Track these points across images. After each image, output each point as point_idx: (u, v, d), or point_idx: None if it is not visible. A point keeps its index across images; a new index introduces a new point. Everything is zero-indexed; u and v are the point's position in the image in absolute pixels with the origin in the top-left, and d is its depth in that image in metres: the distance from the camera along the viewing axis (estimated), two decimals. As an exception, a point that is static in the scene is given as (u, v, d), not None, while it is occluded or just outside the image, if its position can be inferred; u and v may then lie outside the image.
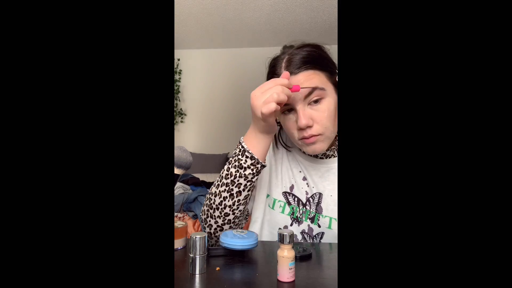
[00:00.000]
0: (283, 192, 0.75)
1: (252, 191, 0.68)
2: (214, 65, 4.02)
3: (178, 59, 4.02)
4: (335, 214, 0.69)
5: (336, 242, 0.68)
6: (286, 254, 0.45)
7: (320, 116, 0.65)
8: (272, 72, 0.70)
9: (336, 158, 0.74)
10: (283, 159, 0.79)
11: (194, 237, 0.49)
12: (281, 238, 0.46)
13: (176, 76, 3.99)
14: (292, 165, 0.77)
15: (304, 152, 0.76)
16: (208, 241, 0.68)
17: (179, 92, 4.01)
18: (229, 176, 0.65)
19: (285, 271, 0.45)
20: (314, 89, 0.63)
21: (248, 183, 0.65)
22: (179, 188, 2.28)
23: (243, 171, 0.64)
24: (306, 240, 0.71)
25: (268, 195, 0.77)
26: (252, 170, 0.64)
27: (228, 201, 0.65)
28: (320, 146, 0.67)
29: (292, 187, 0.75)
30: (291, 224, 0.73)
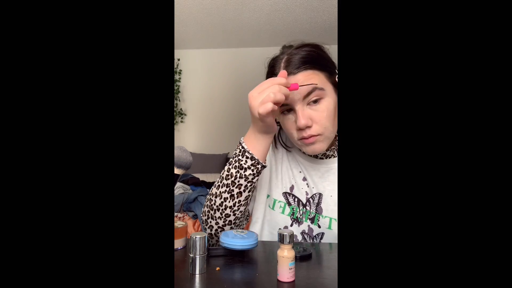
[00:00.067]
0: (283, 193, 0.75)
1: (252, 191, 0.68)
2: (214, 65, 4.02)
3: (178, 59, 4.02)
4: (335, 215, 0.69)
5: (336, 242, 0.68)
6: (286, 254, 0.45)
7: (319, 116, 0.65)
8: (271, 72, 0.69)
9: (336, 158, 0.74)
10: (283, 159, 0.79)
11: (194, 237, 0.49)
12: (281, 238, 0.46)
13: (176, 76, 3.99)
14: (292, 165, 0.77)
15: (304, 152, 0.76)
16: (208, 240, 0.69)
17: (179, 92, 4.01)
18: (229, 177, 0.65)
19: (285, 271, 0.45)
20: (313, 88, 0.63)
21: (249, 184, 0.65)
22: (179, 188, 2.28)
23: (244, 172, 0.64)
24: (306, 241, 0.71)
25: (268, 196, 0.77)
26: (253, 170, 0.64)
27: (229, 202, 0.65)
28: (320, 146, 0.67)
29: (292, 188, 0.75)
30: (291, 225, 0.73)
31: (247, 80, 3.83)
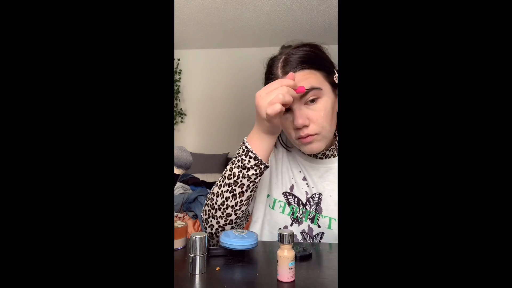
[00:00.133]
0: (283, 192, 0.75)
1: (254, 191, 0.68)
2: (214, 65, 4.02)
3: (178, 59, 4.02)
4: (334, 214, 0.69)
5: (336, 242, 0.68)
6: (286, 254, 0.45)
7: (317, 116, 0.65)
8: (269, 72, 0.70)
9: (336, 158, 0.74)
10: (283, 159, 0.79)
11: (194, 237, 0.49)
12: (281, 238, 0.46)
13: (176, 76, 3.99)
14: (292, 165, 0.77)
15: (303, 152, 0.76)
16: (209, 241, 0.68)
17: (179, 92, 4.01)
18: (232, 176, 0.65)
19: (285, 271, 0.45)
20: (310, 87, 0.63)
21: (251, 184, 0.65)
22: (179, 188, 2.28)
23: (246, 172, 0.64)
24: (306, 240, 0.71)
25: (268, 195, 0.77)
26: (256, 170, 0.64)
27: (231, 201, 0.65)
28: (317, 146, 0.67)
29: (292, 187, 0.75)
30: (291, 224, 0.73)
31: (247, 80, 3.82)
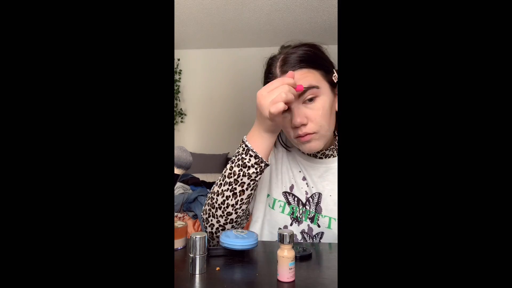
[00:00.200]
0: (283, 192, 0.75)
1: (255, 190, 0.68)
2: (214, 65, 4.02)
3: (178, 59, 4.02)
4: (334, 214, 0.70)
5: (336, 242, 0.68)
6: (286, 254, 0.45)
7: (315, 115, 0.65)
8: (268, 71, 0.70)
9: (336, 158, 0.74)
10: (283, 159, 0.79)
11: (194, 237, 0.49)
12: (281, 238, 0.46)
13: (176, 76, 3.99)
14: (292, 165, 0.77)
15: (303, 152, 0.77)
16: (209, 242, 0.68)
17: (179, 92, 4.01)
18: (232, 175, 0.65)
19: (285, 271, 0.45)
20: (309, 86, 0.64)
21: (252, 182, 0.65)
22: (179, 188, 2.28)
23: (247, 170, 0.64)
24: (306, 240, 0.71)
25: (268, 195, 0.77)
26: (256, 169, 0.64)
27: (231, 200, 0.65)
28: (316, 145, 0.67)
29: (292, 187, 0.75)
30: (291, 224, 0.73)
31: (247, 80, 3.82)
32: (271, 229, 0.75)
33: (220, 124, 3.99)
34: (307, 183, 0.74)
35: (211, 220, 0.68)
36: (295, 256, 0.47)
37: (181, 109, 4.01)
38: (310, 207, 0.72)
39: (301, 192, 0.74)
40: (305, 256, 0.54)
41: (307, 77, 0.64)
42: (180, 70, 4.03)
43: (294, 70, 0.65)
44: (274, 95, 0.57)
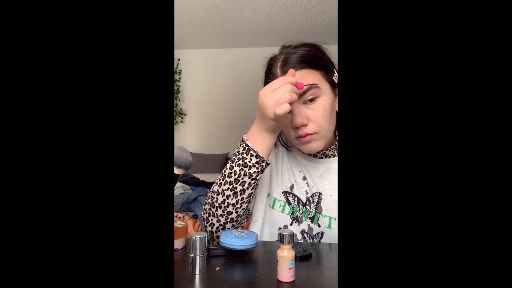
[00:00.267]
0: (283, 192, 0.75)
1: (255, 189, 0.68)
2: (214, 65, 4.02)
3: (178, 59, 4.02)
4: (334, 214, 0.70)
5: (336, 242, 0.68)
6: (286, 254, 0.45)
7: (315, 115, 0.65)
8: (269, 71, 0.70)
9: (336, 158, 0.74)
10: (283, 158, 0.79)
11: (194, 237, 0.49)
12: (281, 238, 0.46)
13: (176, 76, 3.99)
14: (292, 164, 0.77)
15: (303, 152, 0.77)
16: (209, 242, 0.68)
17: (179, 92, 4.01)
18: (232, 174, 0.65)
19: (285, 271, 0.45)
20: (309, 87, 0.64)
21: (253, 182, 0.65)
22: (179, 188, 2.28)
23: (248, 170, 0.64)
24: (306, 240, 0.71)
25: (268, 195, 0.77)
26: (257, 168, 0.64)
27: (232, 199, 0.65)
28: (316, 145, 0.67)
29: (292, 187, 0.75)
30: (291, 224, 0.73)
31: (247, 80, 3.82)
32: (271, 228, 0.75)
33: (220, 124, 3.99)
34: (307, 183, 0.74)
35: (211, 220, 0.68)
36: (295, 256, 0.47)
37: (181, 109, 4.01)
38: (310, 207, 0.72)
39: (301, 192, 0.74)
40: (305, 256, 0.54)
41: (307, 77, 0.64)
42: (180, 70, 4.03)
43: (295, 70, 0.65)
44: (277, 95, 0.57)
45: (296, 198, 0.74)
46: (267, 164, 0.65)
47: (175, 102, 3.96)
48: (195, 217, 2.03)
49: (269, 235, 0.75)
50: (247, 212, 0.75)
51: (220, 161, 3.56)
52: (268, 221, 0.75)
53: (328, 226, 0.69)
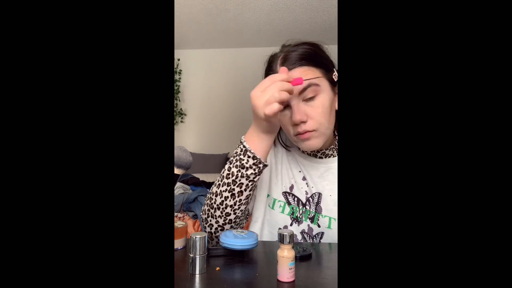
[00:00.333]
0: (283, 192, 0.75)
1: (253, 190, 0.68)
2: (214, 65, 4.02)
3: (178, 59, 4.02)
4: (334, 214, 0.70)
5: (336, 242, 0.68)
6: (286, 254, 0.45)
7: (314, 112, 0.65)
8: (269, 69, 0.70)
9: (336, 158, 0.74)
10: (282, 159, 0.79)
11: (194, 237, 0.49)
12: (281, 238, 0.46)
13: (176, 76, 3.99)
14: (292, 165, 0.77)
15: (303, 152, 0.77)
16: (209, 242, 0.68)
17: (179, 92, 4.01)
18: (230, 175, 0.65)
19: (285, 271, 0.45)
20: (309, 84, 0.64)
21: (250, 183, 0.65)
22: (179, 188, 2.28)
23: (245, 171, 0.64)
24: (306, 240, 0.71)
25: (268, 195, 0.77)
26: (254, 170, 0.64)
27: (230, 200, 0.65)
28: (315, 142, 0.67)
29: (292, 187, 0.75)
30: (291, 224, 0.73)
31: (247, 80, 3.83)
32: (271, 229, 0.75)
33: (220, 124, 3.99)
34: (307, 183, 0.74)
35: (210, 221, 0.68)
36: (295, 256, 0.47)
37: (181, 109, 4.01)
38: (310, 207, 0.72)
39: (301, 192, 0.74)
40: (305, 256, 0.54)
41: (307, 74, 0.64)
42: (180, 70, 4.03)
43: (295, 67, 0.65)
44: (267, 95, 0.56)
45: (296, 199, 0.74)
46: (265, 165, 0.65)
47: (175, 102, 3.97)
48: (195, 217, 2.03)
49: (269, 236, 0.75)
50: (246, 213, 0.75)
51: (220, 161, 3.56)
52: (268, 222, 0.75)
53: (328, 226, 0.69)
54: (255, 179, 0.65)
